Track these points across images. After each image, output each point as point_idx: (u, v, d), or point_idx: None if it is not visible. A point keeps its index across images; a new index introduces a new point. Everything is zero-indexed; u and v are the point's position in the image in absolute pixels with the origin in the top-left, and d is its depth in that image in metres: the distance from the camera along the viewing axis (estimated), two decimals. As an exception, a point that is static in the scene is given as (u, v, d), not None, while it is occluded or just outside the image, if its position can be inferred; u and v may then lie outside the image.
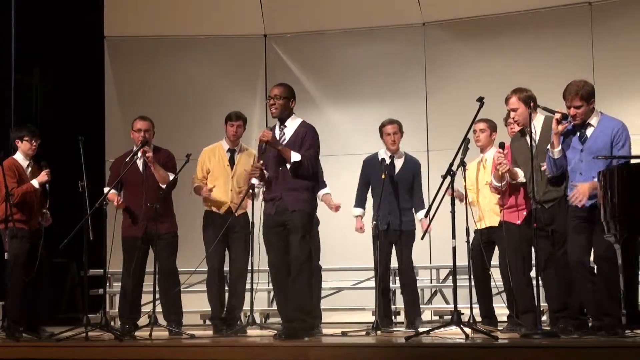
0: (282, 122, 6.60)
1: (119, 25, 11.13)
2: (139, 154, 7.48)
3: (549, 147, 6.19)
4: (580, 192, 5.96)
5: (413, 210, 7.75)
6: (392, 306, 8.38)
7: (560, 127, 6.11)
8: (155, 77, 11.11)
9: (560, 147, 6.14)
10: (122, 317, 7.56)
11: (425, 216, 7.08)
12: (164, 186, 7.44)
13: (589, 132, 6.09)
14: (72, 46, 10.85)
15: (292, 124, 6.61)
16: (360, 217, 7.83)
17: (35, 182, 7.52)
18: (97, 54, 11.13)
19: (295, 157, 6.41)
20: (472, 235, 7.24)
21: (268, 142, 6.42)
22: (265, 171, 6.54)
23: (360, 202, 7.86)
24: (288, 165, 6.43)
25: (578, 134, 6.13)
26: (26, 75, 11.12)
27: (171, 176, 7.49)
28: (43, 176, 7.51)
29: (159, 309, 7.41)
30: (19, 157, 7.67)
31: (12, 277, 7.35)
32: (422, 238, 7.14)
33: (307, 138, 6.53)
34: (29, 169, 7.65)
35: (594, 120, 6.08)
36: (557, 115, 6.10)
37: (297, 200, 6.42)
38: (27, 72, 11.15)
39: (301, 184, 6.46)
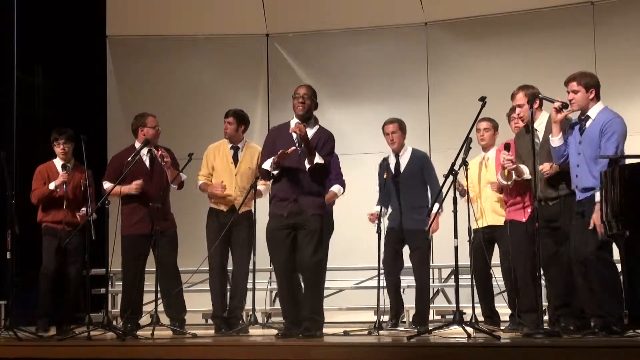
0: (303, 122, 6.57)
1: (121, 25, 11.13)
2: (145, 152, 7.50)
3: (550, 136, 6.22)
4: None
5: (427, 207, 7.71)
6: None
7: (559, 116, 6.13)
8: (157, 77, 11.11)
9: (560, 135, 6.17)
10: (124, 317, 7.57)
11: (427, 215, 7.08)
12: (175, 186, 7.54)
13: (588, 123, 6.12)
14: (74, 45, 10.85)
15: (312, 127, 6.62)
16: (376, 212, 7.77)
17: (52, 185, 7.68)
18: (99, 53, 11.14)
19: (318, 159, 6.42)
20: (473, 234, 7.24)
21: (301, 136, 6.40)
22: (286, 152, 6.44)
23: (380, 201, 7.79)
24: (307, 166, 6.40)
25: (579, 126, 6.16)
26: (28, 74, 11.12)
27: (182, 176, 7.56)
28: (59, 178, 7.68)
29: (160, 308, 7.41)
30: (56, 160, 7.89)
31: (41, 274, 7.74)
32: (426, 229, 7.12)
33: (328, 145, 6.59)
34: (65, 170, 7.74)
35: (592, 113, 6.11)
36: (557, 104, 6.13)
37: (314, 205, 6.46)
38: (29, 71, 11.16)
39: (316, 188, 6.50)
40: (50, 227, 7.77)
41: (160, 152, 7.46)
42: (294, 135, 6.51)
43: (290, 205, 6.45)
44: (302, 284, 6.58)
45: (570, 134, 6.22)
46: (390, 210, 7.63)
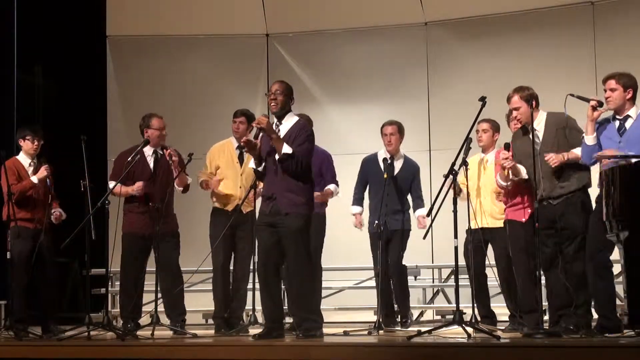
0: (279, 119, 6.52)
1: (121, 25, 11.14)
2: (150, 153, 7.50)
3: (583, 134, 6.21)
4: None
5: (411, 210, 7.77)
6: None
7: (595, 114, 6.11)
8: (157, 76, 11.11)
9: (594, 134, 6.13)
10: (124, 316, 7.57)
11: (428, 215, 7.07)
12: (181, 189, 7.52)
13: (628, 124, 6.08)
14: (74, 45, 10.85)
15: (288, 122, 6.51)
16: (359, 214, 7.83)
17: (34, 178, 7.52)
18: (99, 53, 11.14)
19: (286, 149, 6.29)
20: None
21: (262, 128, 6.33)
22: (257, 141, 6.41)
23: (357, 201, 7.87)
24: (277, 157, 6.31)
25: (617, 124, 6.14)
26: (28, 74, 11.11)
27: (189, 179, 7.55)
28: (42, 172, 7.52)
29: (160, 308, 7.41)
30: (21, 156, 7.69)
31: (15, 277, 7.36)
32: (424, 237, 7.13)
33: (301, 133, 6.43)
34: (31, 167, 7.65)
35: (633, 113, 6.08)
36: (593, 102, 6.10)
37: (291, 203, 6.32)
38: (29, 71, 11.15)
39: (297, 185, 6.35)
40: (23, 226, 7.46)
41: (168, 151, 7.45)
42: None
43: (271, 203, 6.39)
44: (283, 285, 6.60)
45: (602, 133, 6.18)
46: (379, 212, 7.58)
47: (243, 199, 7.39)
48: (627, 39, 9.84)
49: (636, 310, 5.59)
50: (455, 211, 6.15)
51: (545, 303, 6.84)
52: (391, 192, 7.59)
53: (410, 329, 7.36)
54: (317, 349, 5.63)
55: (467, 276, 7.57)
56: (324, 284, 8.00)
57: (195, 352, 5.93)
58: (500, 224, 7.19)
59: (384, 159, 7.70)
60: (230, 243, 7.57)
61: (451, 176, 6.24)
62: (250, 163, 6.56)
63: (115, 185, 7.31)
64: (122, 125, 10.65)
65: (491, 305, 7.59)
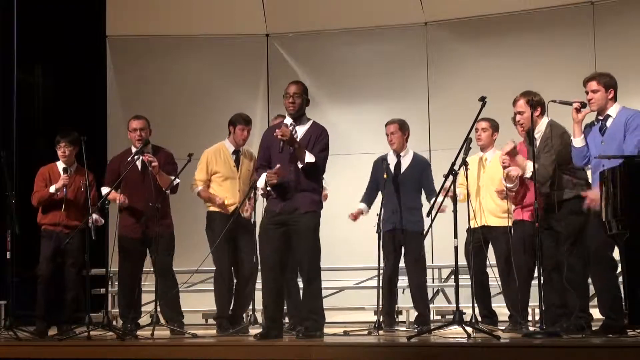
0: (295, 121, 6.54)
1: (121, 25, 11.14)
2: (139, 155, 7.47)
3: (571, 137, 6.21)
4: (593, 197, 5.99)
5: (422, 209, 7.72)
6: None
7: (580, 116, 6.13)
8: (157, 77, 11.11)
9: (582, 136, 6.15)
10: (124, 317, 7.56)
11: (428, 215, 7.06)
12: (165, 189, 7.43)
13: (609, 122, 6.10)
14: (74, 45, 10.86)
15: (304, 125, 6.54)
16: (360, 210, 7.76)
17: (52, 188, 7.60)
18: (99, 53, 11.14)
19: (309, 157, 6.34)
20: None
21: (286, 140, 6.34)
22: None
23: (365, 199, 7.78)
24: (300, 165, 6.35)
25: (599, 125, 6.15)
26: (28, 74, 11.12)
27: (175, 181, 7.47)
28: (60, 181, 7.60)
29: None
30: (59, 162, 7.79)
31: (39, 276, 7.59)
32: (423, 237, 7.11)
33: (321, 140, 6.48)
34: (65, 174, 7.66)
35: (613, 112, 6.10)
36: (576, 105, 6.12)
37: (309, 202, 6.37)
38: (29, 71, 11.15)
39: (312, 185, 6.42)
40: (49, 229, 7.63)
41: (147, 158, 7.41)
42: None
43: (284, 203, 6.39)
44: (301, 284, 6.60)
45: (588, 136, 6.19)
46: (382, 211, 7.54)
47: (241, 202, 7.37)
48: (627, 39, 9.84)
49: (636, 310, 5.59)
50: (455, 211, 6.15)
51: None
52: (399, 191, 7.51)
53: (412, 329, 7.37)
54: (317, 349, 5.63)
55: (467, 276, 7.56)
56: (324, 284, 7.98)
57: (195, 352, 5.93)
58: (501, 222, 7.20)
59: (383, 160, 7.68)
60: (231, 245, 7.53)
61: (451, 176, 6.24)
62: (260, 181, 6.47)
63: (108, 193, 7.28)
64: (122, 125, 10.52)
65: (491, 305, 7.58)
